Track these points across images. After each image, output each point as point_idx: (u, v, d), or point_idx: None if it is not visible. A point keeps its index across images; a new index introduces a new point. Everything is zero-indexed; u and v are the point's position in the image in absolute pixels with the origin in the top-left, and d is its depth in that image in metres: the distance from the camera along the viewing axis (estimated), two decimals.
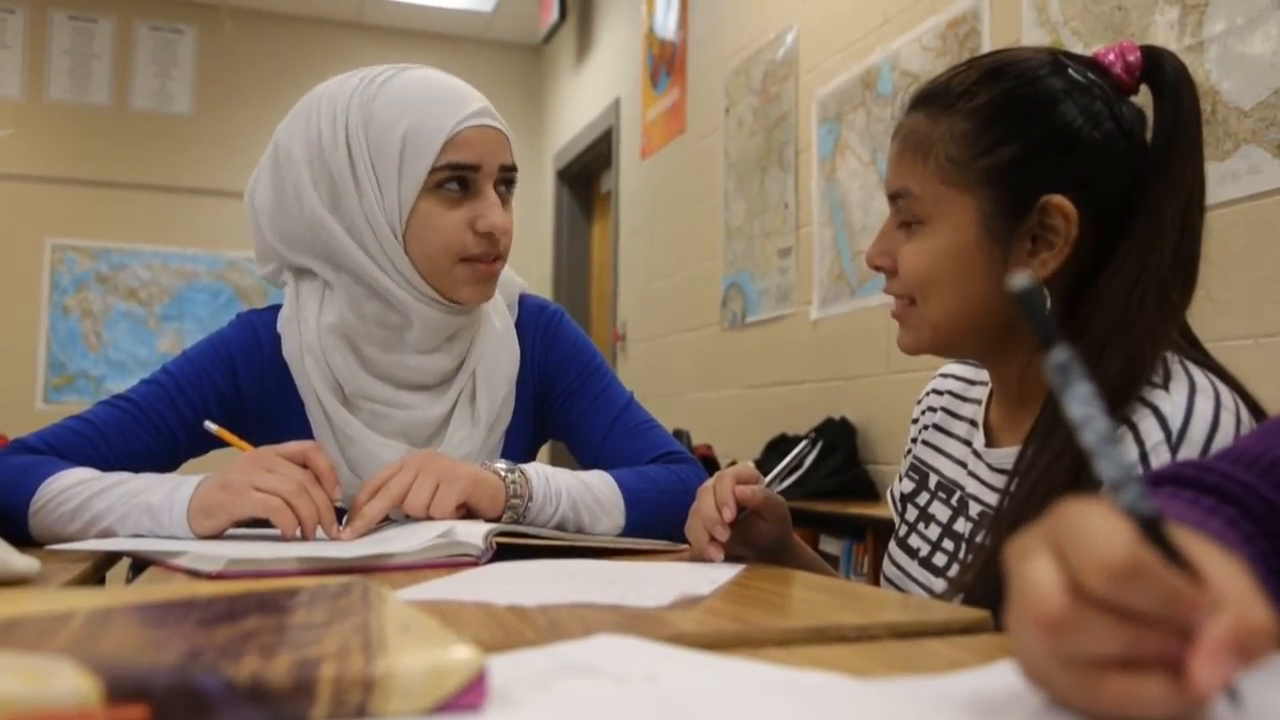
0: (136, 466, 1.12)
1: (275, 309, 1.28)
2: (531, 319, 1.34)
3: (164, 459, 1.19)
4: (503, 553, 0.95)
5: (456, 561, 0.91)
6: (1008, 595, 0.40)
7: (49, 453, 1.13)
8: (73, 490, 1.05)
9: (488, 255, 1.19)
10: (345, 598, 0.50)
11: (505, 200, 1.21)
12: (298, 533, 0.97)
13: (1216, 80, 1.92)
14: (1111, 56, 0.88)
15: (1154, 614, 0.36)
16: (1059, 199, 0.84)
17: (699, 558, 0.96)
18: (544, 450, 1.42)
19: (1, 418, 4.01)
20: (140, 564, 0.99)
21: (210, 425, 1.12)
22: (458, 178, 1.16)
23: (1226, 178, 1.89)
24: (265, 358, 1.25)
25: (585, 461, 1.30)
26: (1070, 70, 0.87)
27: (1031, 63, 0.89)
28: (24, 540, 1.03)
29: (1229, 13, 1.90)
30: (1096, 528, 0.37)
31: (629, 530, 1.16)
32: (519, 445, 1.32)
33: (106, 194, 5.44)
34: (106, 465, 1.11)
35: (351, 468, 1.21)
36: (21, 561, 0.79)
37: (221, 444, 1.15)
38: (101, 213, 5.43)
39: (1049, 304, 0.86)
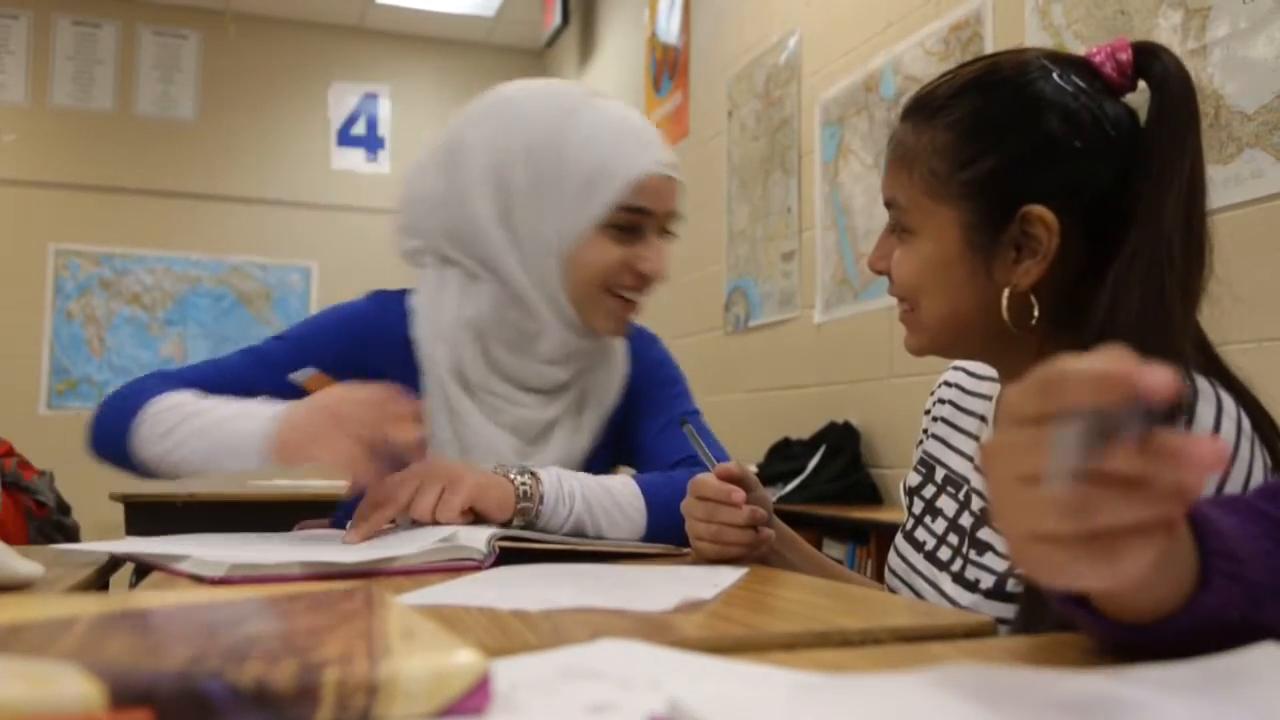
0: None
1: (404, 291, 1.32)
2: (633, 340, 1.38)
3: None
4: (507, 557, 0.95)
5: (459, 566, 0.91)
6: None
7: (178, 383, 1.19)
8: (176, 409, 1.12)
9: (635, 289, 1.23)
10: (349, 602, 0.50)
11: (664, 243, 1.26)
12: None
13: (1220, 84, 1.92)
14: (1101, 56, 0.87)
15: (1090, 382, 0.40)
16: (1039, 209, 0.84)
17: (713, 558, 0.98)
18: None
19: (4, 423, 4.01)
20: (144, 569, 0.99)
21: (296, 376, 1.17)
22: (632, 221, 1.20)
23: (1230, 181, 1.89)
24: (394, 335, 1.28)
25: (636, 456, 1.34)
26: (1054, 76, 0.87)
27: (1013, 71, 0.88)
28: (132, 462, 1.15)
29: (1232, 16, 1.90)
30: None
31: (650, 535, 1.14)
32: (605, 459, 1.34)
33: (110, 199, 5.45)
34: None
35: (465, 451, 1.24)
36: (25, 566, 0.79)
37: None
38: (105, 218, 5.43)
39: (1036, 313, 0.86)
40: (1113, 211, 0.85)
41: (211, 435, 1.09)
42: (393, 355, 1.27)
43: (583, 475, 1.14)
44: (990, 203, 0.87)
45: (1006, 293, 0.86)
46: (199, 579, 0.83)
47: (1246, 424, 0.78)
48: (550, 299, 1.22)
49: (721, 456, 1.14)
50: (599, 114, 1.22)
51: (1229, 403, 0.79)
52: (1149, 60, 0.86)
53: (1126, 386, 0.39)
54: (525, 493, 1.08)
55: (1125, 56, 0.86)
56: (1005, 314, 0.86)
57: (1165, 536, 0.42)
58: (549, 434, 1.28)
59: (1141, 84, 0.87)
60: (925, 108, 0.91)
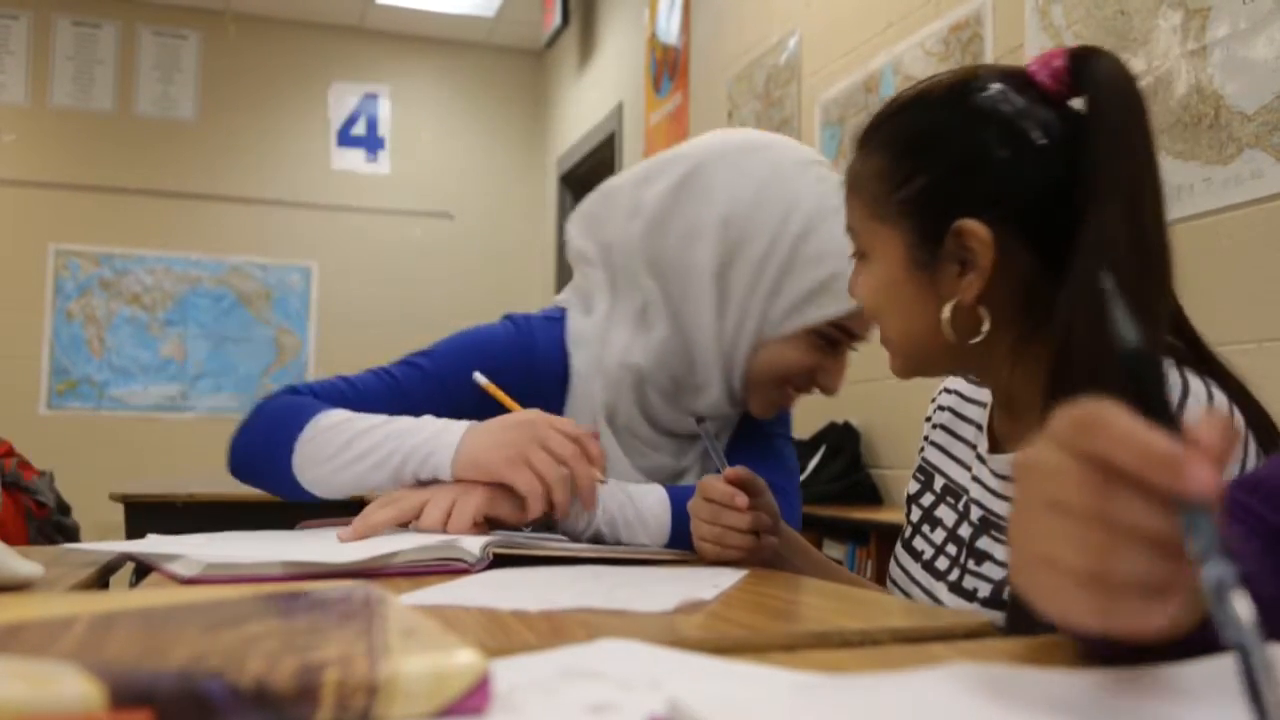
0: None
1: (549, 319, 1.27)
2: None
3: None
4: (507, 558, 0.94)
5: (446, 568, 0.89)
6: (1016, 508, 0.45)
7: (323, 399, 1.17)
8: (339, 427, 1.09)
9: (804, 394, 1.22)
10: (349, 602, 0.50)
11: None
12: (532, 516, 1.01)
13: (1220, 84, 1.92)
14: (1036, 65, 0.86)
15: (1129, 468, 0.39)
16: (970, 223, 0.84)
17: (713, 559, 0.98)
18: None
19: (5, 423, 4.00)
20: (144, 569, 0.99)
21: (480, 377, 1.15)
22: (835, 338, 1.18)
23: (1230, 182, 1.89)
24: (548, 366, 1.24)
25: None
26: (984, 91, 0.86)
27: (944, 90, 0.89)
28: (286, 481, 1.12)
29: (1232, 17, 1.90)
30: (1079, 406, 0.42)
31: (675, 545, 1.12)
32: None
33: (110, 199, 5.45)
34: None
35: None
36: (25, 566, 0.78)
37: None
38: (105, 218, 5.43)
39: (986, 325, 0.86)
40: (1055, 219, 0.83)
41: (387, 452, 1.06)
42: (542, 386, 1.23)
43: (610, 482, 1.12)
44: (925, 220, 0.87)
45: (947, 308, 0.86)
46: (175, 578, 0.82)
47: (1239, 423, 0.78)
48: (726, 371, 1.19)
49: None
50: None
51: (1220, 401, 0.78)
52: (1082, 65, 0.84)
53: (1178, 478, 0.38)
54: None
55: (1059, 63, 0.85)
56: (946, 330, 0.86)
57: (1178, 603, 0.40)
58: (678, 481, 1.26)
59: None
60: (867, 132, 0.94)
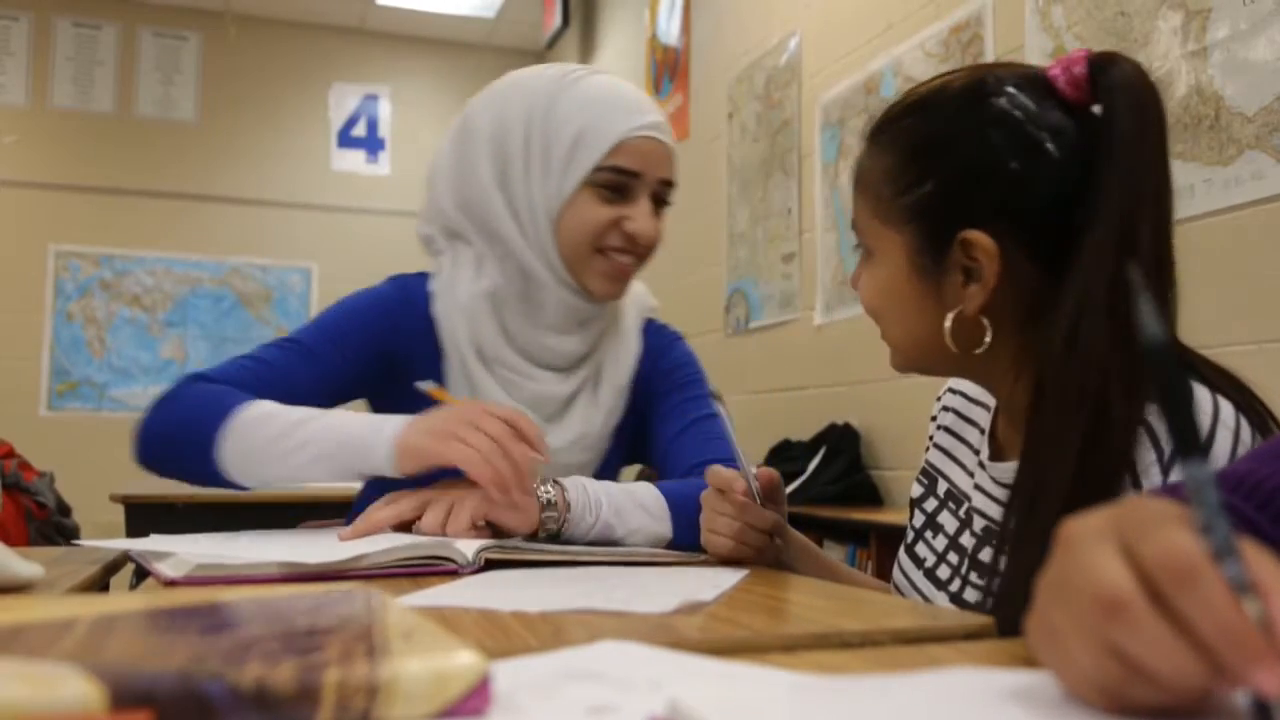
0: (299, 404, 1.17)
1: (424, 275, 1.34)
2: (654, 335, 1.40)
3: (325, 401, 1.23)
4: (507, 562, 0.94)
5: (435, 570, 0.89)
6: (1055, 575, 0.42)
7: (230, 385, 1.17)
8: (269, 419, 1.10)
9: (624, 251, 1.25)
10: (348, 604, 0.50)
11: (659, 211, 1.28)
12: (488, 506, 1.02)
13: (1220, 86, 1.92)
14: (1057, 69, 0.84)
15: (1204, 633, 0.36)
16: (975, 234, 0.83)
17: (726, 555, 0.98)
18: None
19: (5, 424, 4.00)
20: (143, 570, 0.99)
21: (422, 384, 1.18)
22: (617, 181, 1.22)
23: (1230, 183, 1.89)
24: (417, 316, 1.30)
25: (654, 459, 1.35)
26: (1000, 95, 0.84)
27: (957, 92, 0.87)
28: (207, 470, 1.11)
29: (1232, 18, 1.90)
30: (1171, 530, 0.38)
31: (675, 541, 1.13)
32: (618, 447, 1.36)
33: (110, 200, 5.45)
34: (277, 400, 1.16)
35: None
36: (26, 568, 0.79)
37: (432, 402, 1.17)
38: (105, 219, 5.44)
39: (988, 337, 0.85)
40: (1063, 230, 0.82)
41: (326, 444, 1.08)
42: (416, 336, 1.29)
43: (607, 483, 1.13)
44: (930, 227, 0.86)
45: (949, 318, 0.85)
46: (160, 579, 0.82)
47: (1246, 434, 0.76)
48: (547, 261, 1.25)
49: (730, 457, 1.15)
50: (592, 84, 1.26)
51: (1227, 411, 0.77)
52: (1102, 71, 0.81)
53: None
54: (550, 501, 1.06)
55: (1080, 69, 0.82)
56: (948, 339, 0.85)
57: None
58: (567, 409, 1.30)
59: None
60: (878, 129, 0.92)
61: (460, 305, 1.27)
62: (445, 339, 1.28)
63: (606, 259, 1.25)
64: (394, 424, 1.07)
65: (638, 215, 1.23)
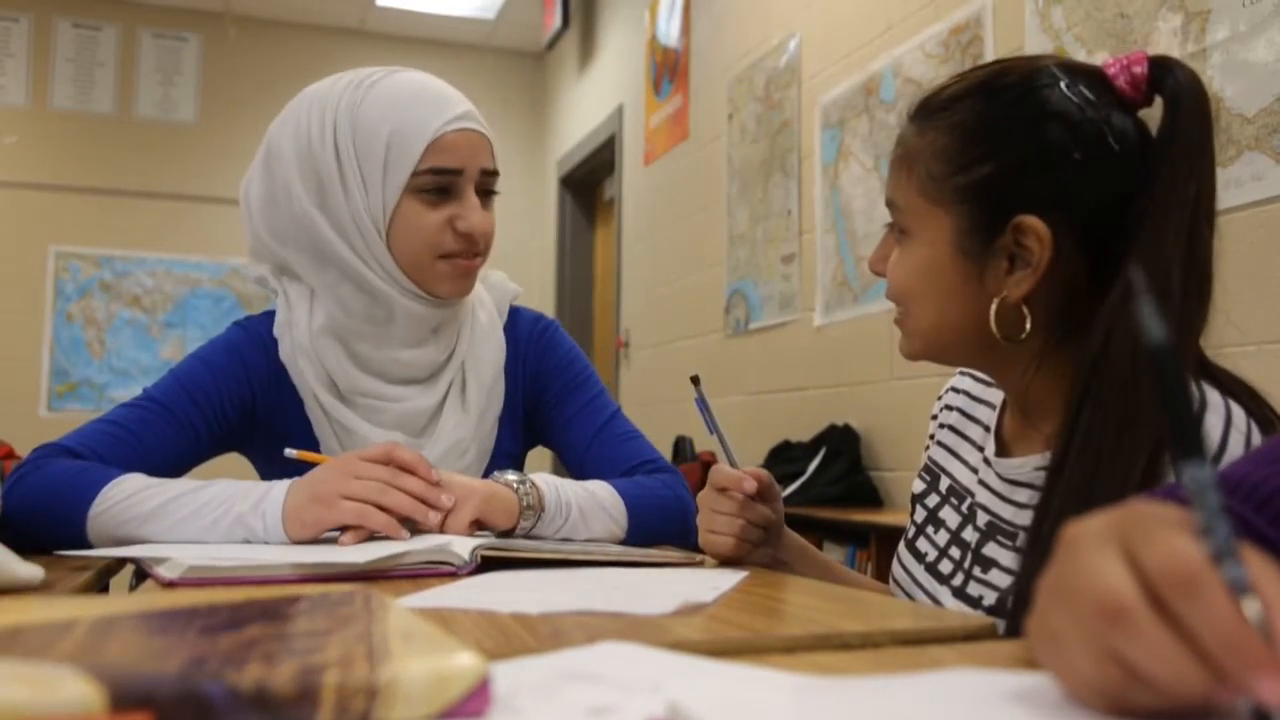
0: (164, 465, 1.14)
1: (270, 315, 1.30)
2: (527, 325, 1.38)
3: (188, 458, 1.21)
4: (505, 561, 0.94)
5: (429, 572, 0.89)
6: (1056, 578, 0.42)
7: (91, 456, 1.12)
8: (141, 495, 1.04)
9: (466, 253, 1.23)
10: (348, 606, 0.50)
11: (486, 202, 1.25)
12: (405, 533, 1.00)
13: (1220, 87, 1.92)
14: (1116, 68, 0.85)
15: (1206, 641, 0.36)
16: (1031, 220, 0.83)
17: (728, 554, 0.99)
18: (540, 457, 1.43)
19: (5, 425, 4.00)
20: (143, 572, 0.99)
21: (291, 451, 1.13)
22: (439, 183, 1.20)
23: (1230, 184, 1.89)
24: (268, 361, 1.27)
25: (571, 466, 1.34)
26: (1062, 85, 0.85)
27: (1019, 77, 0.87)
28: (80, 545, 1.03)
29: (1232, 19, 1.90)
30: (1173, 535, 0.38)
31: (627, 540, 1.17)
32: (510, 436, 1.35)
33: (110, 201, 5.45)
34: (139, 465, 1.12)
35: None
36: (25, 569, 0.79)
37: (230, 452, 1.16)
38: (105, 220, 5.44)
39: (1028, 325, 0.85)
40: (1113, 228, 0.83)
41: (221, 513, 1.02)
42: (270, 383, 1.26)
43: (571, 484, 1.15)
44: (983, 209, 0.85)
45: (995, 303, 0.85)
46: (158, 581, 0.82)
47: (1257, 436, 0.76)
48: (387, 276, 1.22)
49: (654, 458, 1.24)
50: (393, 84, 1.22)
51: (1238, 415, 0.77)
52: (1164, 74, 0.83)
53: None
54: (529, 501, 1.09)
55: (1140, 70, 0.84)
56: (993, 325, 0.85)
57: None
58: (436, 421, 1.27)
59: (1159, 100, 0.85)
60: (930, 108, 0.91)
61: (302, 348, 1.24)
62: (298, 383, 1.25)
63: (448, 262, 1.22)
64: (274, 500, 1.02)
65: (467, 212, 1.21)
